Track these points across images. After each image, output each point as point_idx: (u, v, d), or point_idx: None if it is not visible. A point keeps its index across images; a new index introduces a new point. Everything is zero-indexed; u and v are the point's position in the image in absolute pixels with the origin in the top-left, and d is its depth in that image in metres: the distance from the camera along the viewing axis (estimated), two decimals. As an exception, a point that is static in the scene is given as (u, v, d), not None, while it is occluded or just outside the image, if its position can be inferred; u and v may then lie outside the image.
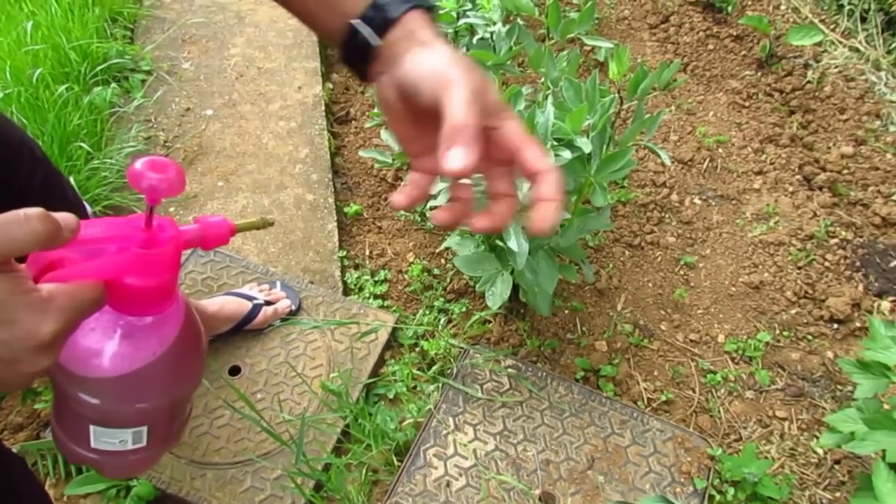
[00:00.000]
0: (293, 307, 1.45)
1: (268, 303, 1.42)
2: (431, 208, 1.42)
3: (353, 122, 1.98)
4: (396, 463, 1.25)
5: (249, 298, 1.41)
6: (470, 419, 1.30)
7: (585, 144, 1.08)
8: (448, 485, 1.21)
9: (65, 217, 0.40)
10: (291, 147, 1.81)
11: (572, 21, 1.28)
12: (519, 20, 1.42)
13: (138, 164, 0.44)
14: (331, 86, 2.04)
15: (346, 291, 1.57)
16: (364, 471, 1.24)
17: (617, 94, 1.22)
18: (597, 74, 1.18)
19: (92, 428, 0.50)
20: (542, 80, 1.35)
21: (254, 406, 1.22)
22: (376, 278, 1.60)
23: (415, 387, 1.38)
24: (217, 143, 1.79)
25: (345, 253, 1.64)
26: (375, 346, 1.43)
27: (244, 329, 1.40)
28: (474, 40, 1.42)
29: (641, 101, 1.23)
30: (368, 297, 1.55)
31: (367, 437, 1.25)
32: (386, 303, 1.56)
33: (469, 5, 1.44)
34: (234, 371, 1.38)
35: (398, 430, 1.29)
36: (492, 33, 1.38)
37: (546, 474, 1.23)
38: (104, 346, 0.47)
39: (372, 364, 1.40)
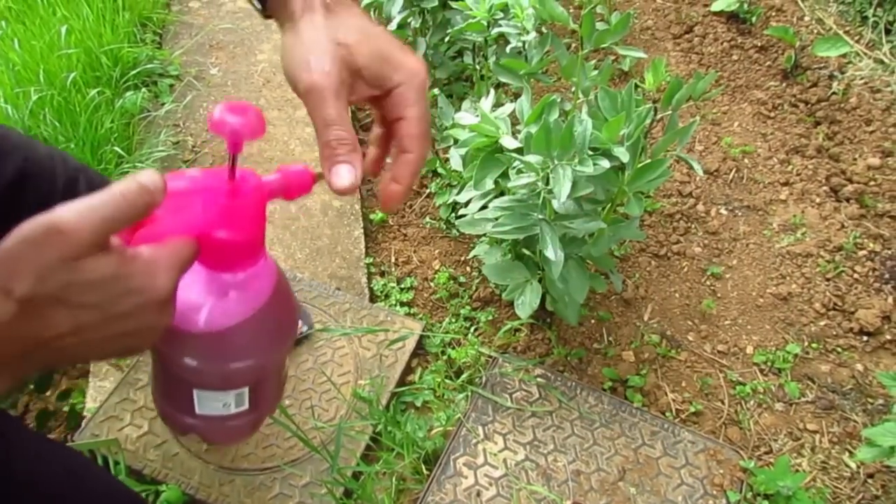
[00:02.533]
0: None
1: None
2: (458, 217, 1.42)
3: (378, 129, 1.98)
4: (425, 471, 1.25)
5: None
6: (499, 428, 1.30)
7: (623, 154, 1.08)
8: (478, 494, 1.20)
9: (152, 180, 0.41)
10: (318, 153, 1.81)
11: (606, 31, 1.28)
12: (544, 29, 1.42)
13: (217, 110, 0.44)
14: (355, 93, 2.05)
15: (373, 298, 1.57)
16: (393, 479, 1.24)
17: (651, 105, 1.22)
18: (633, 85, 1.18)
19: (196, 393, 0.51)
20: (574, 89, 1.35)
21: (286, 412, 1.22)
22: (402, 285, 1.60)
23: (443, 395, 1.38)
24: (244, 148, 1.79)
25: (371, 260, 1.64)
26: (403, 354, 1.42)
27: None
28: (507, 49, 1.42)
29: (676, 111, 1.23)
30: (395, 304, 1.55)
31: (397, 445, 1.25)
32: (412, 310, 1.55)
33: (501, 14, 1.44)
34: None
35: (427, 438, 1.29)
36: (524, 42, 1.38)
37: (577, 485, 1.22)
38: (203, 302, 0.48)
39: (399, 371, 1.40)
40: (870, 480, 1.31)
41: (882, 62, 2.23)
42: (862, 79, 2.17)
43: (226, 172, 0.46)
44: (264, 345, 0.52)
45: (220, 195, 0.45)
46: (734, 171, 1.88)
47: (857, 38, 2.31)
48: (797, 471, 1.31)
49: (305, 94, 0.50)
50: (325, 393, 1.35)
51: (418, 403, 1.36)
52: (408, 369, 1.42)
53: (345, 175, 0.49)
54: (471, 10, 1.46)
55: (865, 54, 2.26)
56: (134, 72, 1.85)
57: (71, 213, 0.38)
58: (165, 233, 0.43)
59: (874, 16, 2.32)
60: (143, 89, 1.84)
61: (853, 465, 1.33)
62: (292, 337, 0.56)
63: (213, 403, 0.52)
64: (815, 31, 2.33)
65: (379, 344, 1.43)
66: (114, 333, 0.41)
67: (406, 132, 0.51)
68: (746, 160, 1.92)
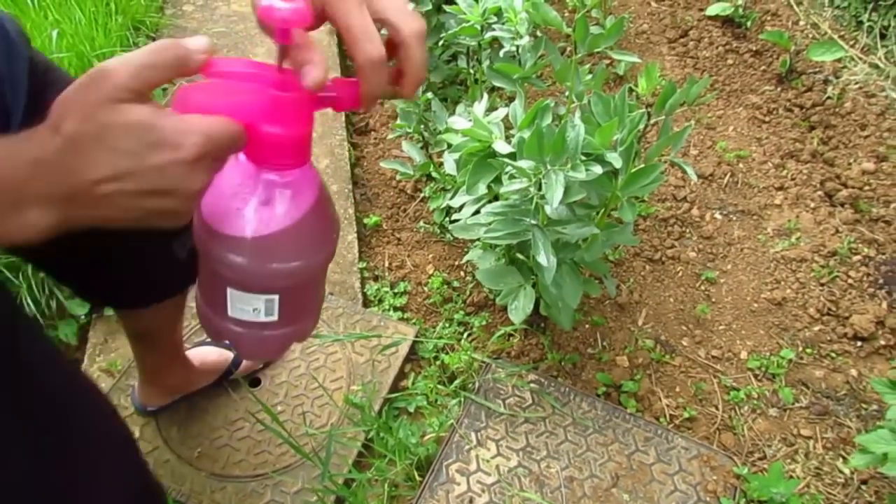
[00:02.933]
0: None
1: None
2: (452, 221, 1.41)
3: (373, 132, 1.98)
4: (418, 478, 1.24)
5: (230, 348, 1.33)
6: (492, 434, 1.29)
7: (616, 159, 1.08)
8: (471, 501, 1.19)
9: (194, 39, 0.44)
10: (311, 157, 1.81)
11: (600, 35, 1.28)
12: (538, 33, 1.42)
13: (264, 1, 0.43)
14: (350, 96, 2.05)
15: (366, 303, 1.56)
16: (385, 486, 1.23)
17: (645, 109, 1.22)
18: (626, 90, 1.18)
19: (230, 292, 0.52)
20: (567, 93, 1.34)
21: (277, 418, 1.21)
22: (396, 290, 1.59)
23: (436, 401, 1.37)
24: (237, 152, 1.79)
25: (364, 264, 1.63)
26: (396, 359, 1.42)
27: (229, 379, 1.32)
28: (501, 53, 1.42)
29: (669, 116, 1.23)
30: (388, 309, 1.55)
31: (389, 452, 1.24)
32: (406, 315, 1.55)
33: (494, 18, 1.44)
34: (255, 383, 1.37)
35: (419, 444, 1.28)
36: (518, 47, 1.38)
37: (570, 492, 1.21)
38: (248, 200, 0.49)
39: (392, 377, 1.39)
40: (863, 487, 1.31)
41: (877, 67, 2.23)
42: (857, 83, 2.17)
43: (274, 68, 0.46)
44: (302, 251, 0.52)
45: (271, 86, 0.46)
46: (729, 175, 1.88)
47: (851, 42, 2.31)
48: (791, 477, 1.31)
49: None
50: (318, 399, 1.34)
51: (411, 409, 1.36)
52: (401, 375, 1.42)
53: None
54: (464, 14, 1.45)
55: (860, 59, 2.26)
56: (127, 75, 1.84)
57: (116, 60, 0.43)
58: (213, 110, 0.44)
59: (869, 20, 2.33)
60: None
61: (847, 472, 1.33)
62: (329, 250, 0.56)
63: (243, 307, 0.53)
64: (811, 35, 2.34)
65: (372, 349, 1.42)
66: (147, 188, 0.43)
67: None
68: (741, 164, 1.92)
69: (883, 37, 2.29)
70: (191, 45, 0.44)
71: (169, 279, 0.90)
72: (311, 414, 1.33)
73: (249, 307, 0.53)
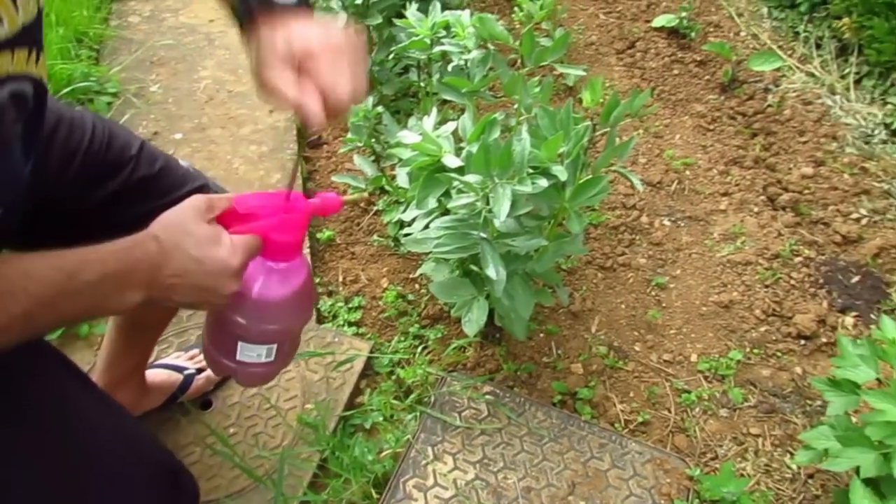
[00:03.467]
0: None
1: (199, 370, 1.31)
2: (405, 234, 1.41)
3: (325, 146, 1.97)
4: (375, 496, 1.23)
5: (179, 369, 1.30)
6: (449, 448, 1.29)
7: (561, 172, 1.09)
8: (429, 516, 1.19)
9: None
10: (263, 172, 1.79)
11: (546, 49, 1.30)
12: (491, 46, 1.43)
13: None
14: (301, 110, 2.03)
15: (320, 319, 1.55)
16: (343, 504, 1.22)
17: (590, 122, 1.24)
18: (571, 103, 1.20)
19: (239, 344, 0.73)
20: (516, 106, 1.36)
21: (227, 442, 1.19)
22: (350, 305, 1.58)
23: (392, 416, 1.36)
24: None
25: (318, 280, 1.62)
26: (351, 376, 1.41)
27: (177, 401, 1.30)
28: (449, 67, 1.43)
29: (614, 128, 1.25)
30: (342, 325, 1.54)
31: (345, 471, 1.23)
32: (360, 330, 1.54)
33: (443, 32, 1.45)
34: (206, 405, 1.34)
35: (376, 461, 1.27)
36: (466, 61, 1.39)
37: (527, 502, 1.22)
38: (257, 279, 0.70)
39: (347, 394, 1.38)
40: (810, 481, 1.35)
41: (813, 75, 2.32)
42: (795, 91, 2.26)
43: (283, 195, 0.69)
44: (294, 314, 0.74)
45: (279, 210, 0.69)
46: (676, 182, 1.93)
47: (790, 52, 2.41)
48: (742, 475, 1.34)
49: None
50: (271, 419, 1.32)
51: (367, 426, 1.35)
52: (356, 391, 1.40)
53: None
54: (414, 28, 1.46)
55: (798, 68, 2.35)
56: (68, 89, 1.79)
57: (196, 197, 0.67)
58: (246, 231, 0.67)
59: (805, 31, 2.42)
60: (79, 107, 1.79)
61: (794, 467, 1.37)
62: (311, 313, 0.81)
63: (250, 353, 0.74)
64: (751, 46, 2.42)
65: (326, 366, 1.41)
66: (201, 286, 0.65)
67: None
68: (688, 172, 1.97)
69: (818, 47, 2.39)
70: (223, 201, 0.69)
71: None
72: (265, 435, 1.31)
73: (254, 353, 0.74)
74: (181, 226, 0.64)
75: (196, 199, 0.66)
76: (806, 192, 1.93)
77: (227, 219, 0.68)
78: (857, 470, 1.03)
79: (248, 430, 1.31)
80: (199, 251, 0.64)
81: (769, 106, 2.17)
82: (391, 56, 1.85)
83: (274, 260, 0.71)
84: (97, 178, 0.88)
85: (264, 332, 0.73)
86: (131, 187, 0.89)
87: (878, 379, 1.13)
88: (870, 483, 0.99)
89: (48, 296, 0.59)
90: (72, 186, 0.86)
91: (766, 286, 1.70)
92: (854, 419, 1.23)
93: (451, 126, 1.31)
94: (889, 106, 2.15)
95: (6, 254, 0.61)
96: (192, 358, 1.36)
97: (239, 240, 0.66)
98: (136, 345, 1.19)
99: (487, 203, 1.07)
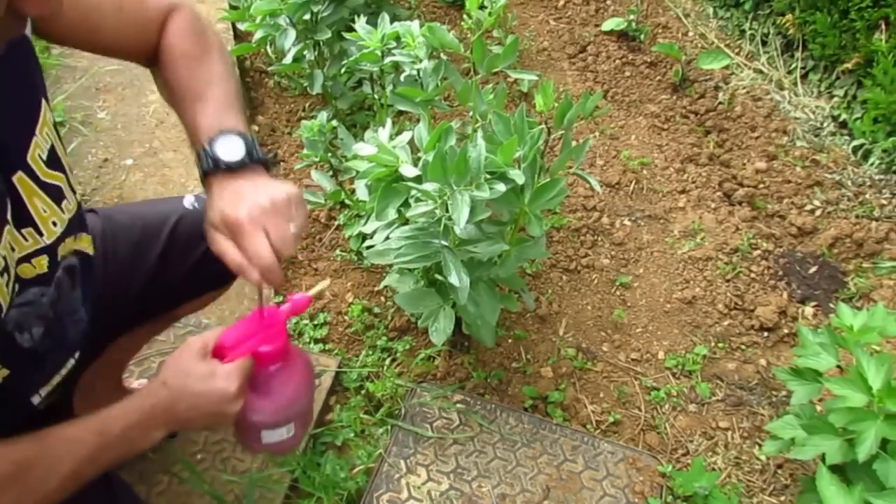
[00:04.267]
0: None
1: None
2: (368, 247, 1.40)
3: (282, 164, 1.94)
4: (349, 513, 1.21)
5: None
6: (422, 460, 1.27)
7: (518, 176, 1.10)
8: (404, 531, 1.17)
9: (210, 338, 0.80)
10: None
11: (497, 56, 1.31)
12: (443, 56, 1.44)
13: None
14: (256, 128, 2.01)
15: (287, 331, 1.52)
16: (316, 525, 1.19)
17: (545, 125, 1.25)
18: (524, 107, 1.20)
19: (262, 432, 0.86)
20: (471, 113, 1.36)
21: (194, 469, 1.15)
22: (315, 322, 1.56)
23: (363, 431, 1.34)
24: (139, 193, 1.72)
25: (281, 298, 1.59)
26: (320, 393, 1.38)
27: None
28: (402, 78, 1.42)
29: (569, 130, 1.26)
30: (309, 342, 1.51)
31: (317, 490, 1.20)
32: (327, 346, 1.52)
33: (394, 43, 1.45)
34: (172, 434, 1.30)
35: (349, 478, 1.25)
36: (418, 70, 1.39)
37: (503, 509, 1.21)
38: (262, 384, 0.83)
39: (317, 412, 1.35)
40: (779, 471, 1.37)
41: (761, 72, 2.38)
42: (744, 88, 2.31)
43: (259, 314, 0.80)
44: (299, 399, 0.87)
45: (259, 329, 0.80)
46: (634, 182, 1.96)
47: (737, 50, 2.47)
48: (713, 469, 1.36)
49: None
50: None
51: (338, 443, 1.32)
52: (325, 408, 1.38)
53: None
54: (364, 40, 1.46)
55: (746, 65, 2.41)
56: (13, 119, 1.73)
57: (191, 339, 0.78)
58: (237, 357, 0.78)
59: (751, 29, 2.49)
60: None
61: (763, 458, 1.39)
62: (313, 389, 0.93)
63: (273, 436, 0.87)
64: (699, 45, 2.47)
65: (293, 385, 1.38)
66: (210, 413, 0.76)
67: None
68: (645, 171, 2.00)
69: (764, 44, 2.45)
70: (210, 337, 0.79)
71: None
72: (234, 459, 1.28)
73: (277, 435, 0.88)
74: (183, 370, 0.76)
75: (191, 343, 0.78)
76: (760, 186, 1.97)
77: (220, 349, 0.80)
78: (822, 457, 1.05)
79: (216, 455, 1.28)
80: (201, 386, 0.76)
81: (720, 103, 2.21)
82: (343, 70, 1.84)
83: (270, 365, 0.83)
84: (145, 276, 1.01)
85: (280, 420, 0.87)
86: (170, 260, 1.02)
87: (838, 366, 1.15)
88: (836, 469, 1.01)
89: (88, 454, 0.74)
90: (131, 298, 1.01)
91: (727, 280, 1.73)
92: (819, 408, 1.25)
93: (406, 136, 1.30)
94: (835, 99, 2.21)
95: (47, 429, 0.73)
96: None
97: (232, 367, 0.77)
98: (109, 376, 1.22)
99: (446, 210, 1.07)
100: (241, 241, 0.71)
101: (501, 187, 1.07)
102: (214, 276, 1.03)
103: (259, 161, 0.76)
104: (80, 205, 0.83)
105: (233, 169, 0.74)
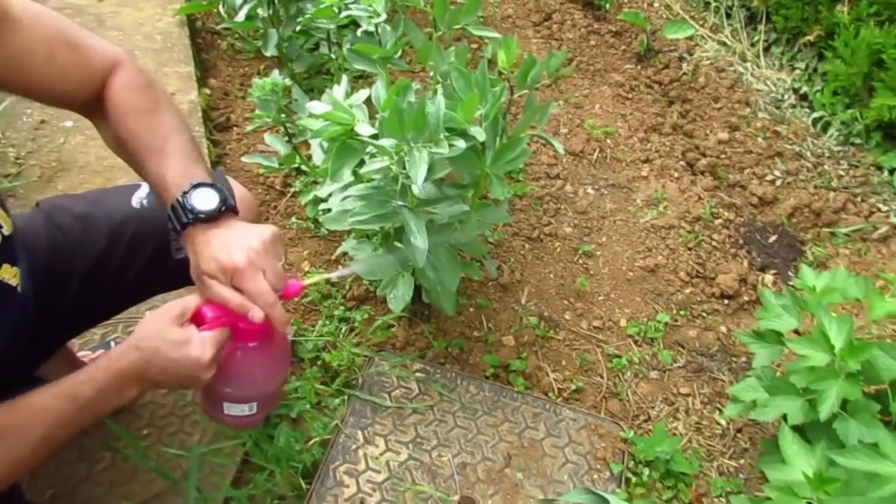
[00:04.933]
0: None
1: None
2: (324, 211, 1.34)
3: (235, 128, 1.86)
4: (305, 486, 1.16)
5: None
6: (380, 430, 1.23)
7: (479, 133, 1.05)
8: (362, 502, 1.13)
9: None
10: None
11: (458, 10, 1.26)
12: (402, 16, 1.38)
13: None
14: (208, 91, 1.91)
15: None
16: (270, 499, 1.15)
17: (507, 84, 1.20)
18: (486, 64, 1.16)
19: (225, 404, 0.87)
20: (432, 74, 1.31)
21: (138, 444, 1.09)
22: (270, 291, 1.49)
23: (319, 402, 1.30)
24: (80, 157, 1.62)
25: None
26: (274, 363, 1.33)
27: None
28: (358, 33, 1.36)
29: (532, 90, 1.22)
30: (263, 312, 1.45)
31: (270, 463, 1.15)
32: (283, 316, 1.46)
33: (350, -2, 1.38)
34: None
35: (304, 450, 1.20)
36: (376, 26, 1.33)
37: (463, 478, 1.18)
38: (234, 358, 0.83)
39: (271, 382, 1.30)
40: (739, 435, 1.37)
41: (725, 44, 2.37)
42: (708, 60, 2.30)
43: None
44: (268, 381, 0.88)
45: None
46: (598, 151, 1.93)
47: (701, 22, 2.45)
48: (674, 434, 1.35)
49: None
50: (188, 417, 1.23)
51: (293, 415, 1.27)
52: (280, 379, 1.33)
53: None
54: (320, -4, 1.39)
55: (710, 37, 2.40)
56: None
57: (169, 303, 0.78)
58: (216, 326, 0.78)
59: (715, 1, 2.48)
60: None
61: (724, 423, 1.39)
62: (287, 373, 0.93)
63: (235, 410, 0.88)
64: (665, 15, 2.45)
65: (246, 355, 1.32)
66: (182, 377, 0.78)
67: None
68: (609, 140, 1.97)
69: (728, 16, 2.45)
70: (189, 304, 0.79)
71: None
72: (182, 433, 1.22)
73: (239, 410, 0.88)
74: (158, 334, 0.76)
75: (170, 307, 0.77)
76: (723, 156, 1.97)
77: (201, 317, 0.79)
78: (784, 418, 1.04)
79: (163, 429, 1.22)
80: (174, 353, 0.76)
81: (684, 74, 2.20)
82: (299, 29, 1.76)
83: (247, 341, 0.83)
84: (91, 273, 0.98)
85: (245, 397, 0.88)
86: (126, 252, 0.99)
87: (796, 331, 1.14)
88: (796, 430, 1.00)
89: (59, 419, 0.75)
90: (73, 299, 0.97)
91: (689, 249, 1.72)
92: (779, 372, 1.25)
93: (363, 94, 1.24)
94: (797, 71, 2.22)
95: (17, 398, 0.74)
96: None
97: (208, 335, 0.77)
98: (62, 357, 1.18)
99: (403, 168, 1.02)
100: (243, 284, 0.75)
101: (461, 144, 1.02)
102: (164, 281, 1.03)
103: (231, 209, 0.80)
104: (10, 238, 0.82)
105: (212, 219, 0.78)
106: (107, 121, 0.84)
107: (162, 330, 0.77)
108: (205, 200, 0.78)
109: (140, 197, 1.02)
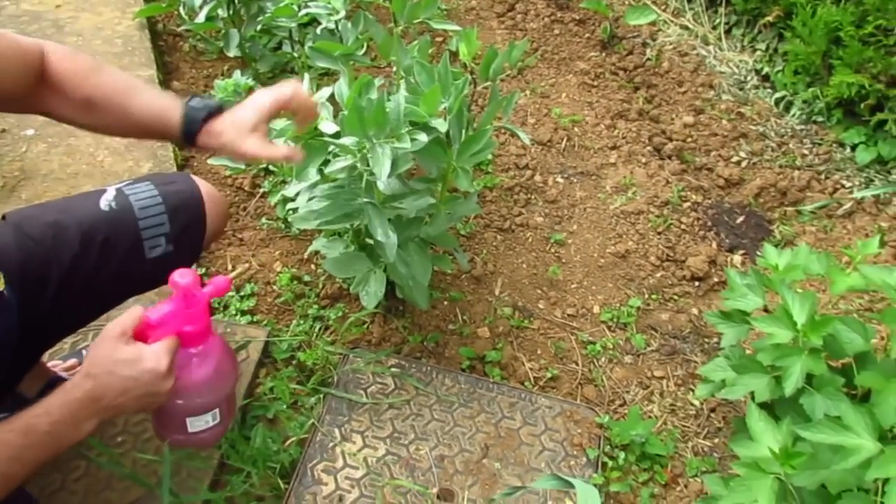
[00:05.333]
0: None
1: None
2: (292, 210, 1.33)
3: (201, 130, 1.84)
4: (283, 486, 1.16)
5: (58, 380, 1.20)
6: (357, 426, 1.24)
7: (441, 125, 1.05)
8: (341, 499, 1.13)
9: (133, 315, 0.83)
10: (132, 162, 1.65)
11: (418, 5, 1.25)
12: (363, 11, 1.37)
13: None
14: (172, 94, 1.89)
15: (211, 312, 1.44)
16: (248, 501, 1.14)
17: (470, 76, 1.21)
18: (448, 56, 1.16)
19: (187, 419, 0.88)
20: (395, 69, 1.31)
21: (111, 452, 1.08)
22: (242, 293, 1.49)
23: (295, 402, 1.29)
24: (43, 165, 1.59)
25: (204, 270, 1.51)
26: (248, 365, 1.32)
27: None
28: (318, 30, 1.35)
29: (495, 81, 1.22)
30: (236, 315, 1.44)
31: (246, 464, 1.15)
32: (255, 318, 1.45)
33: (309, -5, 1.37)
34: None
35: (281, 450, 1.20)
36: (336, 23, 1.32)
37: (442, 470, 1.19)
38: (185, 366, 0.86)
39: (246, 385, 1.29)
40: (712, 415, 1.39)
41: (687, 28, 2.39)
42: (671, 44, 2.32)
43: (182, 294, 0.83)
44: (223, 382, 0.90)
45: (182, 309, 0.83)
46: (566, 139, 1.94)
47: (663, 7, 2.47)
48: (649, 417, 1.37)
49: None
50: (162, 421, 1.22)
51: (269, 415, 1.27)
52: (255, 381, 1.32)
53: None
54: (279, -7, 1.38)
55: (672, 21, 2.42)
56: None
57: (113, 322, 0.80)
58: (164, 336, 0.82)
59: (676, -15, 2.49)
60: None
61: (697, 403, 1.41)
62: (237, 374, 0.96)
63: (199, 423, 0.89)
64: (627, 2, 2.47)
65: (220, 359, 1.32)
66: (143, 394, 0.78)
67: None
68: (576, 129, 1.99)
69: (690, 0, 2.47)
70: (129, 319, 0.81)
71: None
72: (157, 439, 1.20)
73: (203, 421, 0.89)
74: (107, 357, 0.77)
75: (110, 329, 0.78)
76: (689, 140, 1.99)
77: (143, 331, 0.81)
78: (752, 395, 1.06)
79: (138, 436, 1.21)
80: (130, 370, 0.77)
81: (648, 59, 2.22)
82: (260, 29, 1.75)
83: (193, 346, 0.86)
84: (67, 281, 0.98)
85: (204, 404, 0.88)
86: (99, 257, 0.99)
87: (764, 308, 1.17)
88: (765, 407, 1.02)
89: (12, 454, 0.73)
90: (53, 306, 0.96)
91: (659, 233, 1.74)
92: (748, 351, 1.27)
93: (326, 92, 1.24)
94: (758, 52, 2.25)
95: None
96: (68, 369, 1.24)
97: (159, 345, 0.80)
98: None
99: (367, 165, 1.02)
100: (292, 105, 0.89)
101: (423, 138, 1.02)
102: (139, 280, 1.05)
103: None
104: None
105: (220, 109, 0.88)
106: (63, 95, 0.86)
107: (110, 353, 0.77)
108: (206, 102, 0.88)
109: (108, 200, 1.02)
